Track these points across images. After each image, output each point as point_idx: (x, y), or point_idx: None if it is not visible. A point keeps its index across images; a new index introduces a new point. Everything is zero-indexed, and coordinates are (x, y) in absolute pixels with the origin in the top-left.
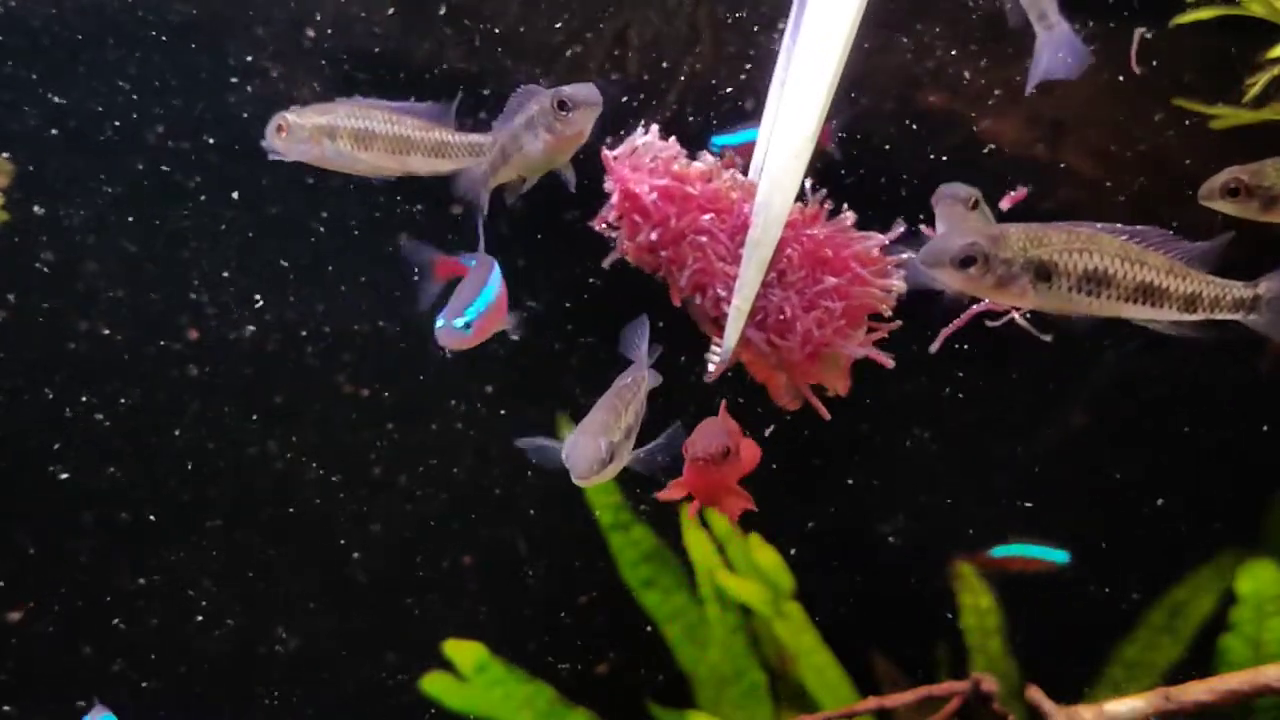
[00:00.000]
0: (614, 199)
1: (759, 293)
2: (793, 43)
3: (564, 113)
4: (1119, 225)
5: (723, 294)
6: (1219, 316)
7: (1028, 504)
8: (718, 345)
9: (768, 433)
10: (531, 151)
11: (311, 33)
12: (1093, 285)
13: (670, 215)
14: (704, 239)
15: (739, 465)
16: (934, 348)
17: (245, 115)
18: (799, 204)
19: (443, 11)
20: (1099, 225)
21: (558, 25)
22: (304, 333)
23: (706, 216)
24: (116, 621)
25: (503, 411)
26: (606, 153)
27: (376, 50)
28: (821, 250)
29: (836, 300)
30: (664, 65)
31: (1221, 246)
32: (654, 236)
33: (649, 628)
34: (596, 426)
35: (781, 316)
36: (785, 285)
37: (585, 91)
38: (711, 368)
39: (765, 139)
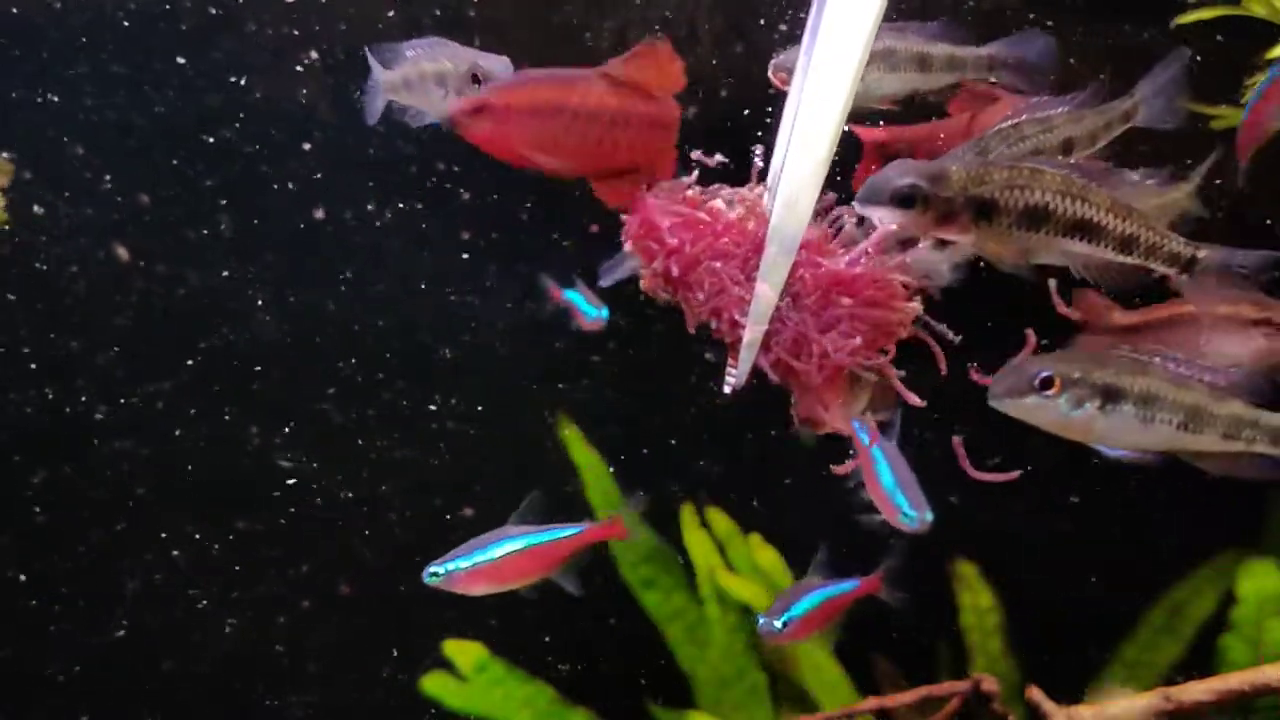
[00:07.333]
0: (631, 228)
1: (773, 316)
2: (807, 61)
3: (476, 85)
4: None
5: (738, 318)
6: (1152, 266)
7: (1029, 502)
8: (733, 368)
9: (772, 434)
10: (437, 110)
11: None
12: (1032, 221)
13: (685, 242)
14: (718, 264)
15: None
16: None
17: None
18: (814, 226)
19: None
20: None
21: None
22: (304, 332)
23: (721, 241)
24: (118, 620)
25: (502, 411)
26: None
27: None
28: (836, 272)
29: (852, 322)
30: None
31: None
32: (673, 268)
33: (649, 628)
34: None
35: (796, 339)
36: (800, 308)
37: (501, 67)
38: (727, 389)
39: (780, 159)
